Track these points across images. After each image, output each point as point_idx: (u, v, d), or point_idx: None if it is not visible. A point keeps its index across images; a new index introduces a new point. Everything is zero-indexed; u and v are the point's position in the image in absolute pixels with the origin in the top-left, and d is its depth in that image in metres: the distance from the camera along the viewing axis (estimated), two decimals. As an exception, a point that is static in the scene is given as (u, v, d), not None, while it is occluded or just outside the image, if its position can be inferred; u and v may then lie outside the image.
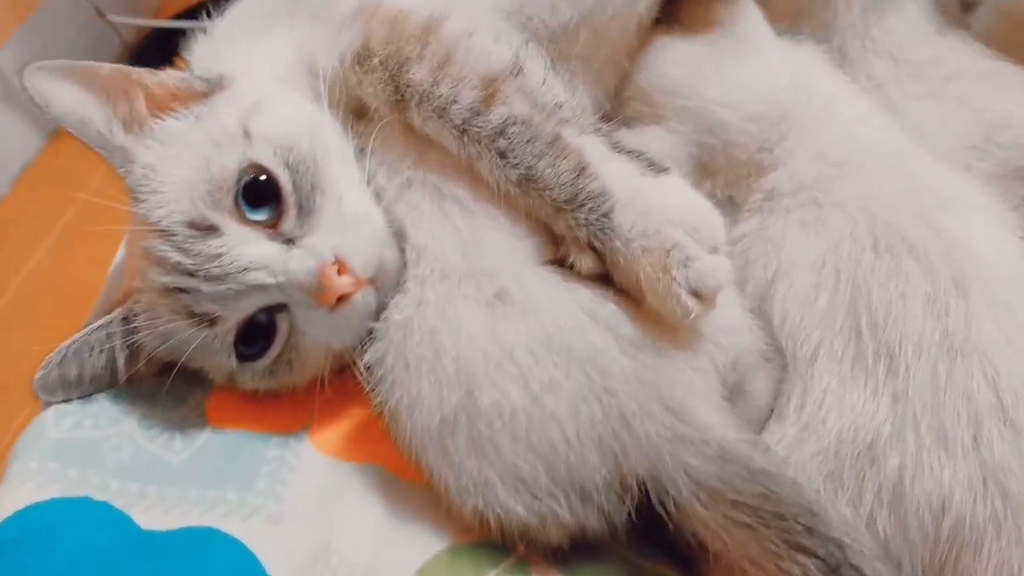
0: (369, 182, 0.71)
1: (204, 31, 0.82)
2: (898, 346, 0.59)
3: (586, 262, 0.62)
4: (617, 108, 0.80)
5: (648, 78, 0.79)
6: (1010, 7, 0.88)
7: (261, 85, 0.73)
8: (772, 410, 0.64)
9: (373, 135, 0.71)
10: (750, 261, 0.71)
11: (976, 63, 0.82)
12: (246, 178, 0.65)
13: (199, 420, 0.72)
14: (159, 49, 2.30)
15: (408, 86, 0.68)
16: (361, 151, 0.72)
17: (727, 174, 0.76)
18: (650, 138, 0.77)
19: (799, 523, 0.55)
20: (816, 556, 0.54)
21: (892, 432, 0.57)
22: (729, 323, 0.64)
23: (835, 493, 0.58)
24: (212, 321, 0.65)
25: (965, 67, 0.81)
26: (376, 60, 0.70)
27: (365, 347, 0.66)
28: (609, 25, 0.75)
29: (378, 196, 0.70)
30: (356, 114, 0.73)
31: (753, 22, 0.80)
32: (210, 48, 0.80)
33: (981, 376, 0.56)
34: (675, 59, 0.78)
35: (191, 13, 2.35)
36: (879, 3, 0.85)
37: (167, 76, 0.72)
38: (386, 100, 0.69)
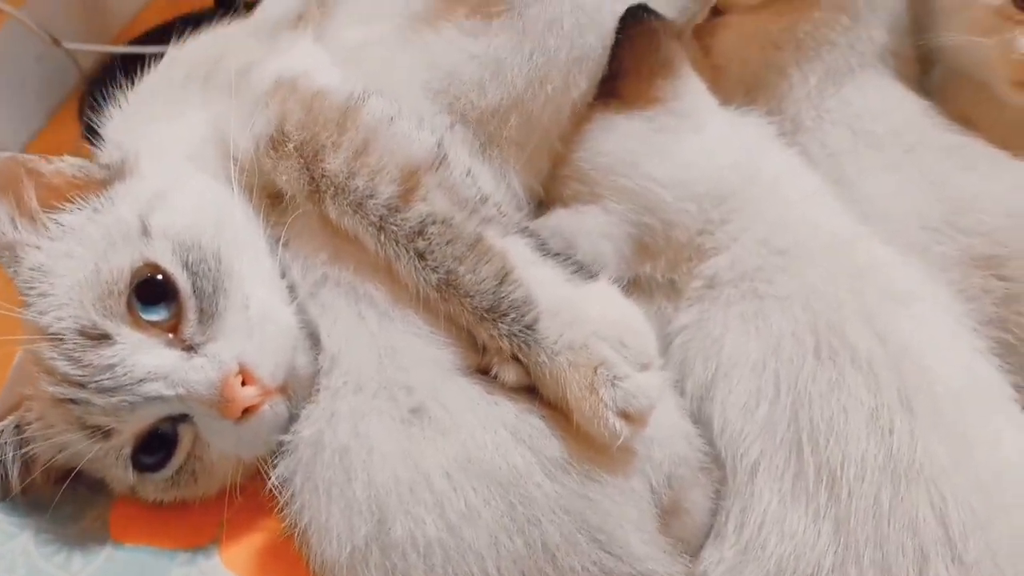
0: (283, 275, 0.66)
1: (119, 102, 0.77)
2: (840, 467, 0.55)
3: (510, 374, 0.58)
4: (553, 187, 0.76)
5: (586, 157, 0.75)
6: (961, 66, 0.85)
7: (169, 169, 0.68)
8: (710, 526, 0.60)
9: (288, 225, 0.66)
10: (690, 357, 0.67)
11: (938, 137, 0.79)
12: (140, 279, 0.60)
13: (101, 534, 0.67)
14: (118, 75, 2.24)
15: (323, 176, 0.64)
16: (276, 241, 0.67)
17: (668, 256, 0.72)
18: (588, 218, 0.74)
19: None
20: None
21: (834, 564, 0.53)
22: (664, 434, 0.60)
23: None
24: (106, 434, 0.60)
25: (926, 140, 0.79)
26: (291, 146, 0.65)
27: (276, 459, 0.61)
28: (542, 110, 0.71)
29: (292, 291, 0.65)
30: (271, 200, 0.68)
31: (696, 97, 0.76)
32: (122, 122, 0.75)
33: (928, 505, 0.53)
34: (614, 137, 0.75)
35: (149, 37, 2.30)
36: (836, 74, 0.82)
37: (65, 163, 0.67)
38: (301, 189, 0.65)
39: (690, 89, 0.76)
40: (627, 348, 0.55)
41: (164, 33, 2.53)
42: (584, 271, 0.60)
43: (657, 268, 0.73)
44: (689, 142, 0.74)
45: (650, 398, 0.54)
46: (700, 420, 0.64)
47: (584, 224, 0.73)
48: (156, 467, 0.62)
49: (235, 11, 1.92)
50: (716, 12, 0.86)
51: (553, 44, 0.71)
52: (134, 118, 0.75)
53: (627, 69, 0.75)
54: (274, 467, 0.61)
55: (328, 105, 0.66)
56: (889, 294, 0.63)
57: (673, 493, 0.59)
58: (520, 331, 0.57)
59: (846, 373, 0.59)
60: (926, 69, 0.88)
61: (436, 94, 0.71)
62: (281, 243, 0.66)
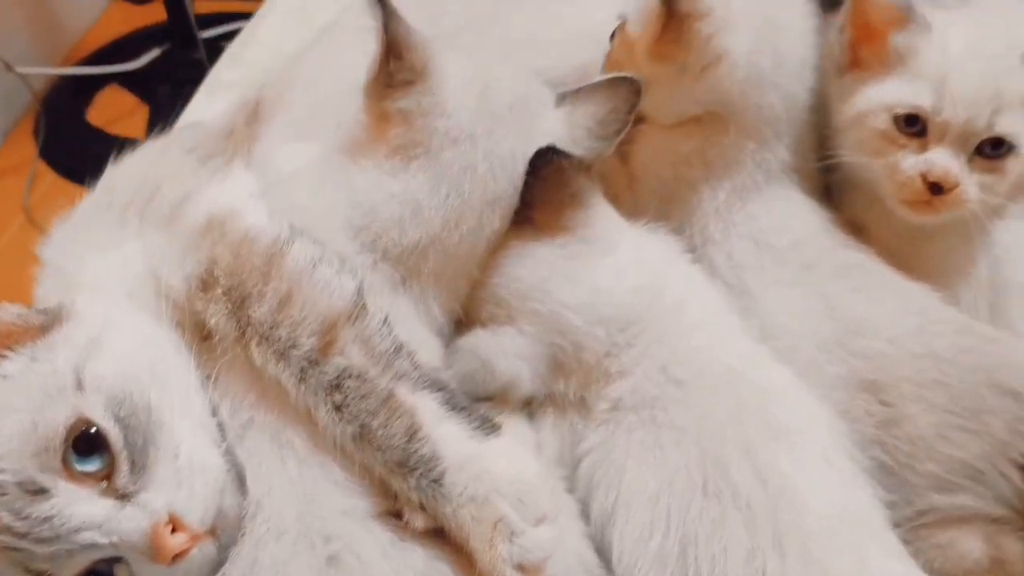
0: (214, 413, 0.70)
1: (59, 225, 0.81)
2: (720, 605, 0.61)
3: (419, 521, 0.63)
4: (472, 308, 0.81)
5: (502, 283, 0.80)
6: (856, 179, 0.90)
7: (103, 311, 0.72)
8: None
9: (218, 366, 0.70)
10: (595, 482, 0.72)
11: (835, 254, 0.84)
12: (75, 434, 0.64)
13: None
14: (71, 97, 2.26)
15: (249, 324, 0.68)
16: (207, 377, 0.71)
17: (579, 376, 0.77)
18: (504, 339, 0.79)
19: None
20: None
21: None
22: (563, 571, 0.65)
23: None
24: (44, 579, 0.64)
25: (823, 257, 0.84)
26: (220, 291, 0.70)
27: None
28: (458, 246, 0.76)
29: (221, 430, 0.69)
30: (203, 337, 0.73)
31: (605, 224, 0.82)
32: (63, 247, 0.79)
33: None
34: (528, 264, 0.80)
35: (101, 57, 2.32)
36: (743, 190, 0.88)
37: (3, 311, 0.70)
38: (229, 333, 0.69)
39: (599, 217, 0.81)
40: (524, 505, 0.60)
41: (116, 51, 2.51)
42: (488, 425, 0.65)
43: (570, 386, 0.78)
44: (597, 268, 0.79)
45: (544, 551, 0.59)
46: (603, 545, 0.69)
47: (501, 345, 0.78)
48: (94, 602, 0.66)
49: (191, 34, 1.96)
50: (636, 120, 0.91)
51: (468, 188, 0.76)
52: (74, 244, 0.79)
53: (540, 201, 0.80)
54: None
55: (255, 251, 0.71)
56: (772, 431, 0.69)
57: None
58: (427, 485, 0.62)
59: (728, 512, 0.64)
60: (829, 178, 0.93)
61: (358, 231, 0.76)
62: (212, 380, 0.71)
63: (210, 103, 1.17)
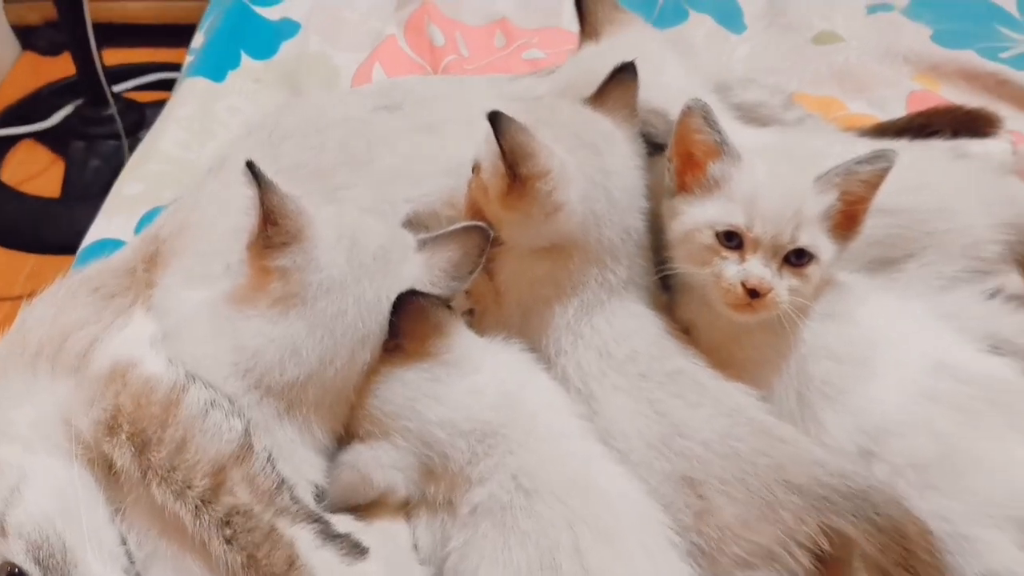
0: (123, 542, 0.82)
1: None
2: None
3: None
4: (352, 426, 0.94)
5: (376, 404, 0.92)
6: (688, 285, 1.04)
7: (20, 461, 0.82)
8: None
9: (125, 502, 0.82)
10: (463, 576, 0.85)
11: (663, 363, 0.97)
12: (3, 574, 0.75)
13: None
14: None
15: (150, 467, 0.80)
16: (116, 511, 0.83)
17: (446, 482, 0.90)
18: (380, 452, 0.91)
19: None
20: None
21: None
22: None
23: None
24: None
25: (654, 367, 0.97)
26: (124, 436, 0.81)
27: None
28: (333, 379, 0.88)
29: (130, 558, 0.81)
30: (113, 474, 0.84)
31: (466, 348, 0.94)
32: None
33: None
34: (397, 388, 0.92)
35: (12, 114, 2.37)
36: (589, 306, 1.00)
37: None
38: (133, 473, 0.80)
39: (459, 343, 0.94)
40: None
41: (29, 106, 2.57)
42: (357, 549, 0.77)
43: (439, 490, 0.90)
44: (458, 387, 0.92)
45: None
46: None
47: (377, 459, 0.91)
48: None
49: (101, 90, 2.03)
50: (497, 243, 1.04)
51: (340, 330, 0.88)
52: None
53: (406, 333, 0.92)
54: None
55: (153, 400, 0.82)
56: (603, 535, 0.82)
57: None
58: (304, 606, 0.74)
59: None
60: (668, 285, 1.08)
61: (245, 372, 0.88)
62: (121, 513, 0.82)
63: (114, 220, 1.27)
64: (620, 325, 1.00)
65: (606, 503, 0.85)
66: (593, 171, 0.97)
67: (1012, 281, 1.16)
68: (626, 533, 0.83)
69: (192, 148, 1.35)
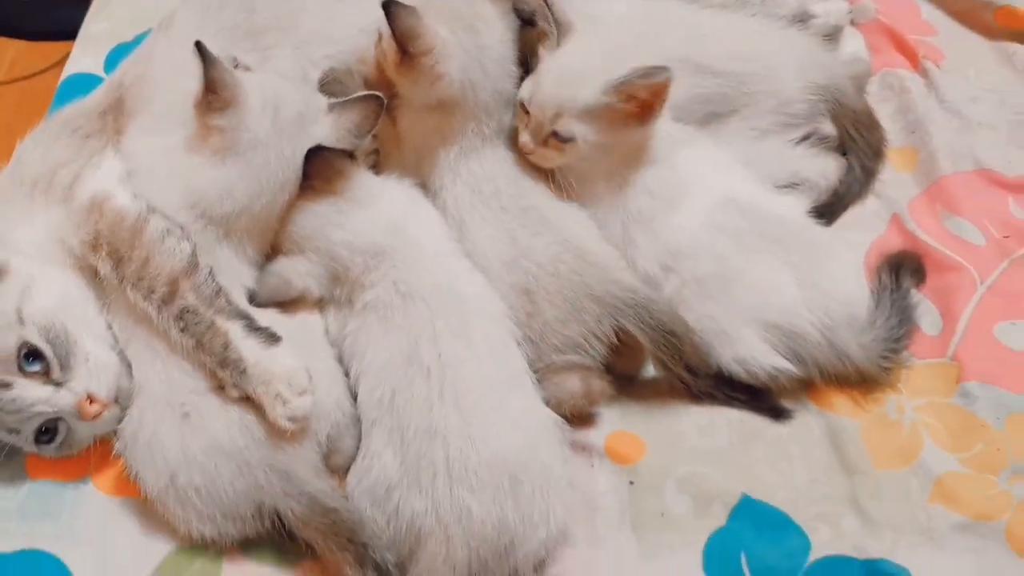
0: (109, 327, 1.15)
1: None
2: (407, 428, 1.09)
3: (234, 393, 1.09)
4: (277, 246, 1.25)
5: (294, 230, 1.22)
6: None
7: (29, 268, 1.13)
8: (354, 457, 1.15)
9: (109, 299, 1.14)
10: (350, 356, 1.18)
11: (519, 199, 1.26)
12: (23, 351, 1.08)
13: (22, 473, 1.18)
14: None
15: (124, 277, 1.11)
16: (102, 305, 1.15)
17: (347, 285, 1.21)
18: (298, 264, 1.21)
19: (347, 531, 1.06)
20: (353, 549, 1.05)
21: (398, 476, 1.08)
22: (325, 412, 1.12)
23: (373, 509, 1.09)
24: (15, 431, 1.10)
25: (512, 203, 1.26)
26: (104, 253, 1.12)
27: (115, 434, 1.13)
28: (260, 212, 1.18)
29: (115, 339, 1.14)
30: (98, 279, 1.15)
31: (364, 187, 1.23)
32: None
33: (441, 449, 1.07)
34: (310, 216, 1.22)
35: None
36: (466, 152, 1.28)
37: (-36, 270, 1.12)
38: (112, 280, 1.12)
39: (359, 183, 1.23)
40: (291, 384, 1.06)
41: None
42: (272, 338, 1.10)
43: (342, 292, 1.21)
44: (357, 217, 1.21)
45: (304, 410, 1.06)
46: (354, 393, 1.17)
47: (296, 268, 1.21)
48: (47, 443, 1.13)
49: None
50: (395, 96, 1.31)
51: (264, 176, 1.16)
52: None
53: (315, 175, 1.21)
54: (118, 437, 1.12)
55: (123, 227, 1.12)
56: (456, 328, 1.13)
57: (331, 443, 1.13)
58: (237, 375, 1.07)
59: (417, 378, 1.11)
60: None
61: (192, 206, 1.16)
62: (106, 307, 1.14)
63: (84, 57, 1.52)
64: (488, 168, 1.28)
65: (463, 303, 1.17)
66: (470, 46, 1.22)
67: (825, 128, 1.44)
68: (475, 326, 1.15)
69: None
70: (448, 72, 1.21)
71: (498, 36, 1.26)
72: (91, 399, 1.08)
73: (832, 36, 1.52)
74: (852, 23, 1.57)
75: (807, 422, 1.22)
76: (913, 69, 1.56)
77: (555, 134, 1.21)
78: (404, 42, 1.18)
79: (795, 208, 1.30)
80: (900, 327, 1.24)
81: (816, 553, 1.11)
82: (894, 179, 1.43)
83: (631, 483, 1.17)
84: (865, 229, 1.39)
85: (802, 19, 1.52)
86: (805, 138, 1.41)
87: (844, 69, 1.44)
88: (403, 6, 1.17)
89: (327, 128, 1.19)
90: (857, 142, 1.42)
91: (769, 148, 1.38)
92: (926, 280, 1.31)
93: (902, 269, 1.29)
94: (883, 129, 1.43)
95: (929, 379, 1.24)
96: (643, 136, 1.23)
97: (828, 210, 1.38)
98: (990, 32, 1.65)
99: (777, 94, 1.37)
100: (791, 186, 1.37)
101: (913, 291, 1.28)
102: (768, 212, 1.26)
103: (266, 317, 1.16)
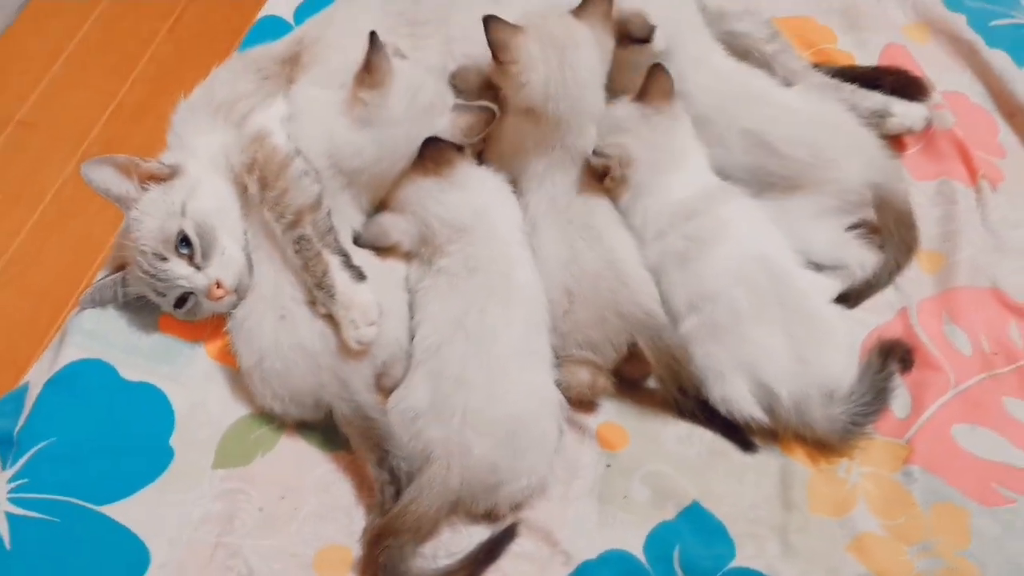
0: (245, 233, 1.48)
1: (184, 104, 1.54)
2: (443, 374, 1.38)
3: (322, 309, 1.39)
4: (385, 202, 1.54)
5: (401, 194, 1.50)
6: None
7: (197, 172, 1.45)
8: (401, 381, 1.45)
9: (250, 211, 1.46)
10: (418, 305, 1.47)
11: (586, 217, 1.49)
12: (180, 237, 1.42)
13: (155, 325, 1.53)
14: None
15: (264, 199, 1.43)
16: (244, 214, 1.48)
17: (430, 248, 1.48)
18: (399, 220, 1.50)
19: (377, 437, 1.36)
20: (378, 452, 1.36)
21: (426, 408, 1.36)
22: (385, 343, 1.42)
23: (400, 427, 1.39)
24: (162, 294, 1.45)
25: (578, 219, 1.49)
26: (256, 176, 1.43)
27: (230, 318, 1.46)
28: (380, 174, 1.47)
29: (247, 244, 1.47)
30: (245, 193, 1.48)
31: (464, 174, 1.50)
32: (182, 122, 1.52)
33: (465, 397, 1.36)
34: (416, 187, 1.49)
35: None
36: (554, 166, 1.52)
37: (152, 164, 1.45)
38: (256, 197, 1.44)
39: (461, 170, 1.50)
40: (364, 315, 1.36)
41: None
42: (360, 275, 1.39)
43: (427, 252, 1.48)
44: (452, 196, 1.49)
45: (369, 337, 1.34)
46: (412, 334, 1.47)
47: (396, 224, 1.50)
48: (181, 308, 1.47)
49: None
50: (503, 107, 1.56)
51: (389, 147, 1.45)
52: (186, 124, 1.51)
53: (428, 158, 1.50)
54: (231, 319, 1.46)
55: (274, 159, 1.43)
56: (504, 304, 1.40)
57: (385, 367, 1.44)
58: (327, 296, 1.38)
59: (460, 339, 1.37)
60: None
61: (329, 156, 1.46)
62: (246, 216, 1.47)
63: (279, 3, 1.83)
64: (568, 185, 1.53)
65: (514, 288, 1.43)
66: (555, 63, 1.45)
67: (870, 215, 1.61)
68: (517, 308, 1.42)
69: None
70: (530, 81, 1.46)
71: (584, 59, 1.48)
72: (219, 284, 1.41)
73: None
74: (928, 127, 1.71)
75: (767, 459, 1.42)
76: (970, 183, 1.68)
77: None
78: (496, 50, 1.45)
79: (817, 285, 1.48)
80: (872, 405, 1.40)
81: (737, 562, 1.32)
82: (916, 277, 1.58)
83: (608, 466, 1.41)
84: (874, 312, 1.54)
85: (881, 115, 1.68)
86: (855, 226, 1.58)
87: (896, 165, 1.60)
88: (500, 21, 1.43)
89: (447, 123, 1.47)
90: (894, 236, 1.57)
91: (823, 227, 1.55)
92: (912, 370, 1.48)
93: (891, 354, 1.45)
94: (918, 230, 1.57)
95: (882, 453, 1.42)
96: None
97: (855, 294, 1.52)
98: (1059, 170, 1.74)
99: (839, 182, 1.55)
100: (832, 268, 1.54)
101: (896, 376, 1.44)
102: (791, 282, 1.44)
103: (362, 256, 1.45)
